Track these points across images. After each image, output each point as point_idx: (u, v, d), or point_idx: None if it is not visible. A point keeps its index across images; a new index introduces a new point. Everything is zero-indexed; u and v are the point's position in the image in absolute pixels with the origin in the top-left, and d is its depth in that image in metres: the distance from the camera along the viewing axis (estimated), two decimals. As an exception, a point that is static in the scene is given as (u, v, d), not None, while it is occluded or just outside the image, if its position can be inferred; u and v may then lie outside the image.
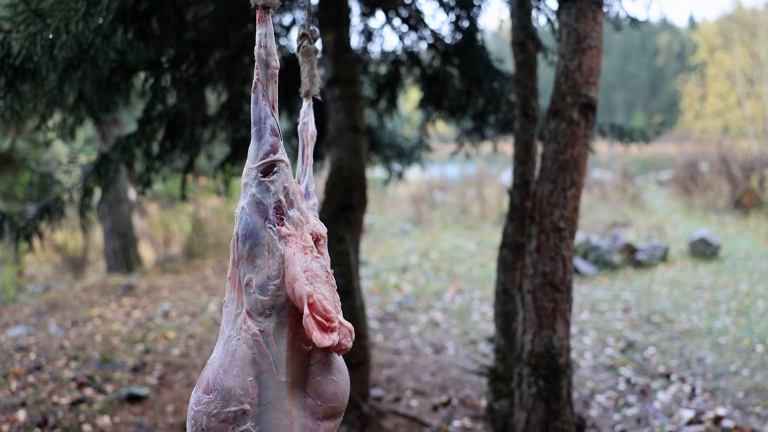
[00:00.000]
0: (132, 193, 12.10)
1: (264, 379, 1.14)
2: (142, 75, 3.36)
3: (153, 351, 4.78)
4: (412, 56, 4.43)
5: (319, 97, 1.47)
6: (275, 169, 1.20)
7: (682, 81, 26.81)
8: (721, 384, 4.20)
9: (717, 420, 3.69)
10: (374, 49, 4.47)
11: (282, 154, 1.21)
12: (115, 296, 6.35)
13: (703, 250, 7.97)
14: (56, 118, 4.07)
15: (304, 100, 1.46)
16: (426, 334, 5.41)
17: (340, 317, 1.16)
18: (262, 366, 1.14)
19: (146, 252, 9.38)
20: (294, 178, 1.33)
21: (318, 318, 1.12)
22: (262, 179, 1.19)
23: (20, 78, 3.07)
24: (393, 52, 4.44)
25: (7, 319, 5.58)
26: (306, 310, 1.11)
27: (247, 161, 1.22)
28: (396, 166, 5.50)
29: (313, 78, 1.45)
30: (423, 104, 4.67)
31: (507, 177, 15.27)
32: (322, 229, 1.28)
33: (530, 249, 2.48)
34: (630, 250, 7.77)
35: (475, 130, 4.56)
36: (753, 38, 23.00)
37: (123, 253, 9.03)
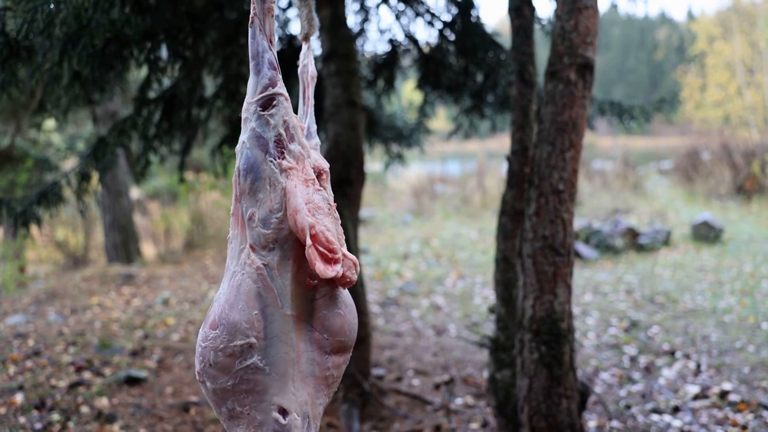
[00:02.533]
0: (134, 192, 12.10)
1: (269, 313, 1.13)
2: (140, 56, 3.33)
3: (152, 336, 4.75)
4: (408, 35, 4.38)
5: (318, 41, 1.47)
6: (274, 102, 1.19)
7: (681, 72, 26.72)
8: (726, 360, 4.15)
9: (723, 395, 3.65)
10: (371, 28, 4.43)
11: (281, 88, 1.20)
12: (114, 285, 6.32)
13: (706, 234, 7.92)
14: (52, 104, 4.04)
15: (304, 43, 1.45)
16: (427, 318, 5.37)
17: (344, 249, 1.15)
18: (267, 299, 1.13)
19: (147, 248, 9.35)
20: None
21: (321, 249, 1.11)
22: (262, 113, 1.18)
23: (15, 57, 3.03)
24: (389, 31, 4.39)
25: (6, 308, 5.56)
26: (308, 241, 1.10)
27: (247, 96, 1.21)
28: (395, 150, 5.46)
29: (311, 21, 1.44)
30: (421, 84, 4.63)
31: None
32: (324, 164, 1.27)
33: (529, 213, 2.43)
34: (632, 234, 7.72)
35: (473, 108, 4.51)
36: (752, 27, 22.89)
37: (123, 248, 9.00)
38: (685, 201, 11.72)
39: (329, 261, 1.11)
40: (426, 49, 4.20)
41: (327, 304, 1.16)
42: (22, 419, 3.32)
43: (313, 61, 1.44)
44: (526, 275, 2.45)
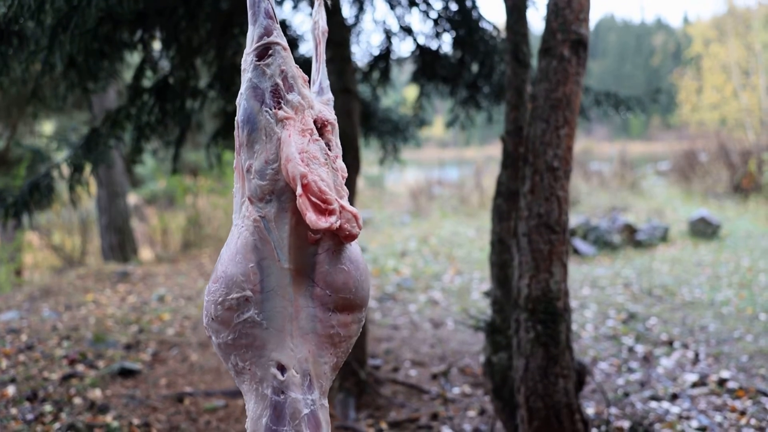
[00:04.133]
0: (132, 198, 12.04)
1: (265, 266, 1.11)
2: (132, 39, 3.31)
3: (147, 331, 4.71)
4: (403, 27, 4.38)
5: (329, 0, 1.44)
6: (270, 51, 1.17)
7: (678, 74, 26.81)
8: (724, 349, 4.13)
9: (721, 382, 3.62)
10: (366, 18, 4.43)
11: (277, 37, 1.18)
12: (110, 283, 6.29)
13: (704, 230, 7.91)
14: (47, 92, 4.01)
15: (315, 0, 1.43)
16: (425, 312, 5.34)
17: (343, 201, 1.12)
18: (264, 252, 1.11)
19: (144, 252, 9.32)
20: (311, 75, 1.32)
21: (313, 199, 1.08)
22: (258, 63, 1.16)
23: (6, 43, 3.01)
24: (384, 22, 4.39)
25: (0, 305, 5.52)
26: (299, 190, 1.07)
27: (245, 48, 1.20)
28: (391, 146, 5.44)
29: None
30: (417, 77, 4.62)
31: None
32: (330, 116, 1.24)
33: (524, 191, 2.41)
34: (630, 230, 7.71)
35: (469, 99, 4.50)
36: (747, 30, 22.99)
37: (120, 249, 8.96)
38: (682, 200, 11.72)
39: (322, 212, 1.08)
40: (421, 40, 4.19)
41: (330, 259, 1.13)
42: (13, 410, 3.28)
43: (324, 17, 1.40)
44: (521, 254, 2.43)
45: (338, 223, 1.09)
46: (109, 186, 8.93)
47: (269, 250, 1.11)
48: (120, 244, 8.97)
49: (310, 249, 1.12)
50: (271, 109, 1.14)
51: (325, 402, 1.14)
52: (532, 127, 2.39)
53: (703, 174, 13.04)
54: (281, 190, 1.12)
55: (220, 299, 1.11)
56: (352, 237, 1.12)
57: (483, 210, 11.17)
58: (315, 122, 1.20)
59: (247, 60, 1.18)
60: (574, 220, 8.14)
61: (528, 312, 2.41)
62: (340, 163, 1.20)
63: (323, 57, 1.38)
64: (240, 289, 1.10)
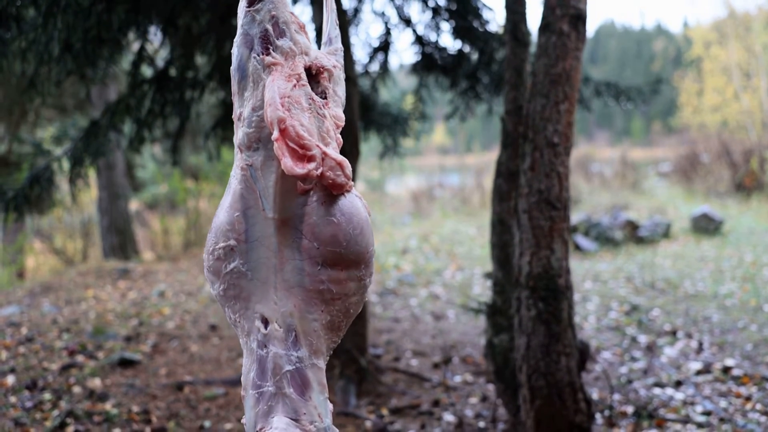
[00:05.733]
0: (133, 204, 12.03)
1: (250, 215, 1.09)
2: (128, 22, 3.31)
3: (147, 324, 4.69)
4: (403, 18, 4.38)
5: None
6: None
7: (679, 77, 26.80)
8: (728, 338, 4.10)
9: (726, 370, 3.59)
10: (365, 8, 4.43)
11: None
12: (110, 279, 6.27)
13: (706, 226, 7.88)
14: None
15: None
16: (426, 305, 5.31)
17: (328, 149, 1.08)
18: (249, 201, 1.09)
19: (145, 254, 9.30)
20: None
21: (291, 144, 1.05)
22: (248, 9, 1.15)
23: (3, 26, 3.01)
24: (383, 14, 4.39)
25: (0, 301, 5.50)
26: (275, 134, 1.04)
27: None
28: (391, 140, 5.43)
29: None
30: (416, 68, 4.62)
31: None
32: (327, 63, 1.21)
33: (524, 167, 2.40)
34: (632, 226, 7.68)
35: (469, 90, 4.49)
36: (747, 32, 22.99)
37: (121, 250, 8.95)
38: (684, 199, 11.69)
39: (300, 158, 1.04)
40: (420, 30, 4.19)
41: (319, 210, 1.08)
42: (12, 399, 3.26)
43: None
44: (521, 231, 2.41)
45: (319, 170, 1.05)
46: (110, 187, 8.94)
47: (254, 198, 1.09)
48: (121, 245, 8.95)
49: (300, 199, 1.08)
50: (259, 55, 1.12)
51: (319, 362, 1.09)
52: (531, 103, 2.38)
53: (704, 174, 13.01)
54: (267, 138, 1.10)
55: (211, 248, 1.11)
56: (339, 187, 1.08)
57: (484, 210, 11.15)
58: (309, 69, 1.18)
59: (240, 7, 1.17)
60: (575, 217, 8.11)
61: (529, 290, 2.39)
62: (334, 112, 1.17)
63: (333, 8, 1.36)
64: (226, 238, 1.09)
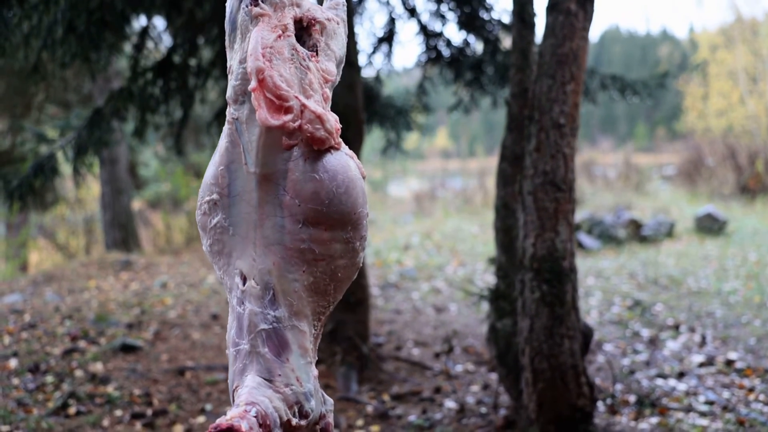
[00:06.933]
0: (135, 204, 12.04)
1: (233, 169, 1.07)
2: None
3: (149, 313, 4.69)
4: (407, 8, 4.38)
5: None
6: None
7: (684, 81, 26.75)
8: (732, 333, 4.08)
9: (729, 363, 3.57)
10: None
11: None
12: (113, 271, 6.28)
13: (710, 226, 7.85)
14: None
15: None
16: (428, 298, 5.30)
17: (309, 102, 1.05)
18: (234, 155, 1.07)
19: (148, 249, 9.31)
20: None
21: (268, 95, 1.03)
22: None
23: (5, 5, 3.02)
24: (388, 2, 4.39)
25: (3, 289, 5.51)
26: (253, 84, 1.02)
27: None
28: (395, 134, 5.42)
29: None
30: (421, 60, 4.62)
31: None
32: (319, 15, 1.18)
33: (529, 149, 2.39)
34: (635, 225, 7.66)
35: (473, 81, 4.49)
36: (754, 36, 22.93)
37: (124, 245, 8.97)
38: (688, 200, 11.66)
39: (277, 109, 1.02)
40: (425, 18, 4.19)
41: (303, 166, 1.05)
42: (15, 381, 3.27)
43: None
44: (526, 213, 2.40)
45: (297, 123, 1.03)
46: (112, 183, 8.95)
47: (238, 152, 1.07)
48: (123, 240, 8.97)
49: (284, 155, 1.05)
50: (247, 6, 1.11)
51: (301, 325, 1.06)
52: (537, 84, 2.37)
53: (709, 176, 12.98)
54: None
55: (199, 203, 1.10)
56: (320, 141, 1.05)
57: (487, 209, 11.13)
58: (300, 20, 1.15)
59: None
60: (578, 215, 8.10)
61: (533, 272, 2.38)
62: (324, 66, 1.14)
63: None
64: (210, 192, 1.08)
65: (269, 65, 1.04)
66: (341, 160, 1.10)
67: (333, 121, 1.08)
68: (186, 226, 9.24)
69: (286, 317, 1.04)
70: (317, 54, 1.16)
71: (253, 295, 1.05)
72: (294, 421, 1.02)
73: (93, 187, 11.15)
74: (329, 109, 1.12)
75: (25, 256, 9.56)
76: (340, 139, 1.09)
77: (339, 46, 1.22)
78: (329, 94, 1.14)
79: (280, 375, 1.02)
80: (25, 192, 3.95)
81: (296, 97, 1.04)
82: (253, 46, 1.06)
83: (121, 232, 9.06)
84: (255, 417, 0.95)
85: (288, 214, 1.05)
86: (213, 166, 1.10)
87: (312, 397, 1.05)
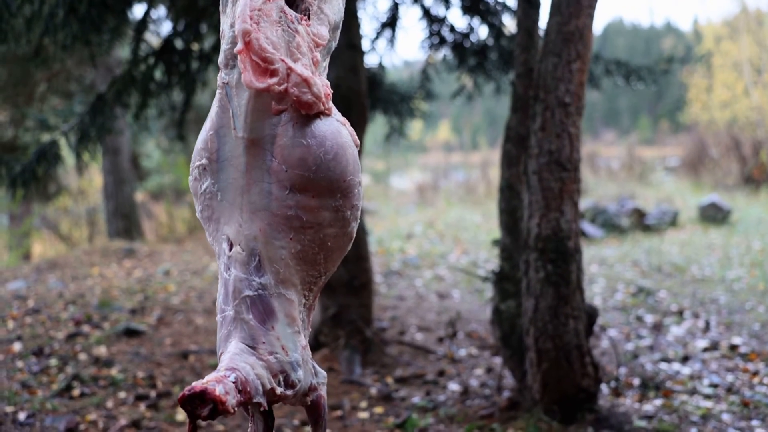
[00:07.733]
0: (138, 196, 12.05)
1: (222, 134, 1.06)
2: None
3: (152, 299, 4.70)
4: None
5: None
6: None
7: (688, 72, 26.58)
8: (736, 318, 4.07)
9: (733, 347, 3.56)
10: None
11: None
12: (116, 258, 6.29)
13: (714, 215, 7.82)
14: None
15: None
16: (431, 285, 5.30)
17: (295, 65, 1.03)
18: (223, 120, 1.07)
19: (150, 238, 9.32)
20: None
21: (253, 58, 1.01)
22: None
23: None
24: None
25: (7, 276, 5.53)
26: (239, 46, 1.01)
27: None
28: (398, 121, 5.40)
29: None
30: (424, 45, 4.58)
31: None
32: None
33: (534, 128, 2.38)
34: (638, 214, 7.63)
35: (477, 67, 4.46)
36: (759, 27, 22.76)
37: (126, 235, 8.99)
38: (692, 191, 11.62)
39: (263, 72, 1.00)
40: (428, 2, 4.16)
41: (290, 132, 1.04)
42: (19, 363, 3.28)
43: None
44: (531, 193, 2.39)
45: (283, 86, 1.01)
46: (115, 173, 8.95)
47: (227, 117, 1.06)
48: (126, 229, 8.98)
49: (273, 119, 1.04)
50: None
51: (288, 293, 1.04)
52: (543, 62, 2.35)
53: (713, 167, 12.92)
54: None
55: (191, 169, 1.10)
56: (307, 105, 1.03)
57: (490, 199, 11.11)
58: None
59: None
60: (582, 204, 8.07)
61: (538, 252, 2.37)
62: (316, 30, 1.12)
63: None
64: (200, 157, 1.07)
65: (256, 27, 1.02)
66: (331, 126, 1.08)
67: (321, 85, 1.06)
68: (189, 216, 9.24)
69: (272, 285, 1.03)
70: (309, 18, 1.14)
71: (238, 261, 1.03)
72: (279, 390, 0.99)
73: (95, 179, 11.17)
74: (321, 74, 1.10)
75: (28, 246, 9.59)
76: (332, 105, 1.07)
77: (334, 11, 1.19)
78: (320, 58, 1.11)
79: (264, 342, 1.00)
80: (28, 179, 3.94)
81: (282, 60, 1.02)
82: (242, 9, 1.04)
83: (124, 222, 9.07)
84: (234, 383, 0.92)
85: (275, 180, 1.04)
86: (204, 132, 1.09)
87: (299, 367, 1.03)
